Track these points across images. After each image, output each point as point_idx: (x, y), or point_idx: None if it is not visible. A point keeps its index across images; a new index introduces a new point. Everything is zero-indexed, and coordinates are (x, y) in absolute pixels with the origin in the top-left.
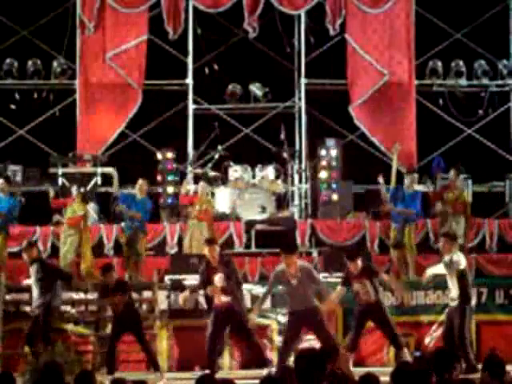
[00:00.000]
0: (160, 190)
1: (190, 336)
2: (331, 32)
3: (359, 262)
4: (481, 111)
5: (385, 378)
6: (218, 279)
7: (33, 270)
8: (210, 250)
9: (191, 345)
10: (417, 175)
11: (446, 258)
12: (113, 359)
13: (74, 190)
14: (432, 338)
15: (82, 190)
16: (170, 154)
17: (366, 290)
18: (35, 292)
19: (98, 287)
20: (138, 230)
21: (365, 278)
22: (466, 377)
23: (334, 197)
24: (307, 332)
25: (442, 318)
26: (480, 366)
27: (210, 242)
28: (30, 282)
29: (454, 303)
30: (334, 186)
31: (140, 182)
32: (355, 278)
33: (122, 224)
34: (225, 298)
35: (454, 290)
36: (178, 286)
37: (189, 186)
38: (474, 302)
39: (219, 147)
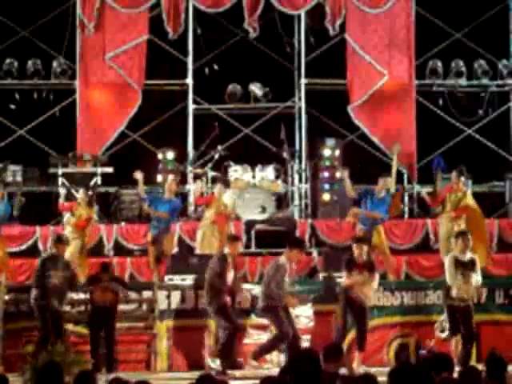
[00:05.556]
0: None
1: (190, 336)
2: (331, 32)
3: (365, 250)
4: (481, 111)
5: (384, 378)
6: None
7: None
8: (233, 247)
9: (191, 345)
10: (390, 179)
11: (466, 256)
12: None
13: (80, 193)
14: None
15: (89, 193)
16: (170, 154)
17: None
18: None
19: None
20: (163, 230)
21: (366, 271)
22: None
23: (334, 197)
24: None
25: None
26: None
27: (235, 238)
28: None
29: (465, 303)
30: (333, 186)
31: (169, 180)
32: (357, 268)
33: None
34: (228, 298)
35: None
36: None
37: (199, 187)
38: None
39: (219, 147)
